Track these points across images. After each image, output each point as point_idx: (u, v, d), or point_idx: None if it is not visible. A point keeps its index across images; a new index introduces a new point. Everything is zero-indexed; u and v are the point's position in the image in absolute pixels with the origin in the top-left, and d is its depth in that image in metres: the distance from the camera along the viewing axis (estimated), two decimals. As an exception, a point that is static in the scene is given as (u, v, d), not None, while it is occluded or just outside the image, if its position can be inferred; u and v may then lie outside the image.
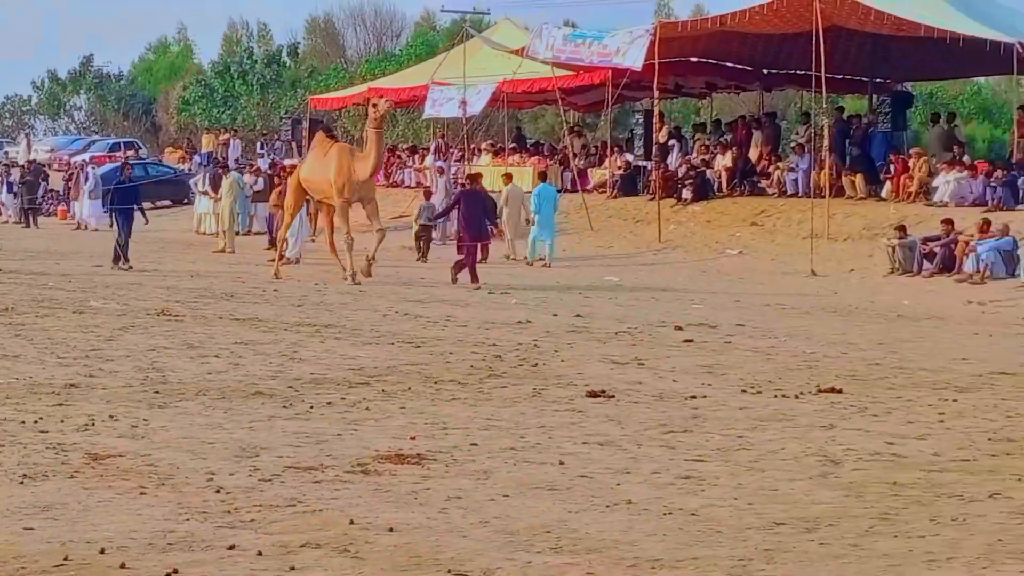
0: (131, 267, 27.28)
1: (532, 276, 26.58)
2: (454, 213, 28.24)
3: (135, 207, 28.75)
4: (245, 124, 66.32)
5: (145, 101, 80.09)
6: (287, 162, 43.07)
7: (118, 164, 50.03)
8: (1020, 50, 28.69)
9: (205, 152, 54.45)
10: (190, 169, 52.01)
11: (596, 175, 40.11)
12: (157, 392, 12.46)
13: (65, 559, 7.24)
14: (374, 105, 26.44)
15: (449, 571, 7.27)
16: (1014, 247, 26.60)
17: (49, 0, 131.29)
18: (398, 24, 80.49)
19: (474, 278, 24.54)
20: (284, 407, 11.88)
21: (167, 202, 49.14)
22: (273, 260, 28.54)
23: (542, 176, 33.26)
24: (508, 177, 33.79)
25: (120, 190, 30.11)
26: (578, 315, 19.87)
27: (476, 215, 25.84)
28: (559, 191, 35.30)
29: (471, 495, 8.94)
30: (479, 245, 26.26)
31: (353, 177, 25.32)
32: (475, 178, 28.20)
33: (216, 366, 14.19)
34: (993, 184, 30.55)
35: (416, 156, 46.41)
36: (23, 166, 51.90)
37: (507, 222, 32.06)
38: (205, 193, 40.02)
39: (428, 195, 34.27)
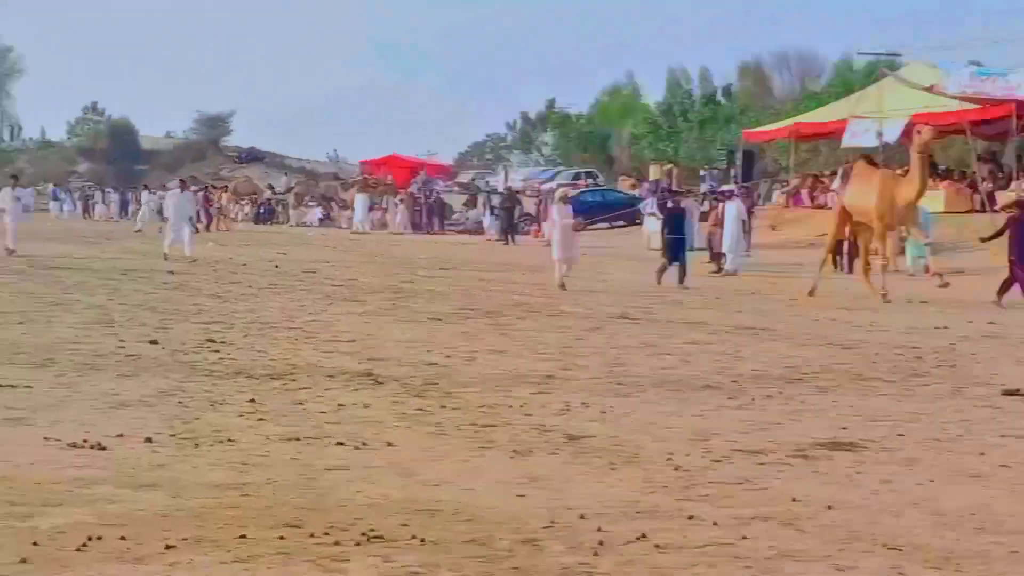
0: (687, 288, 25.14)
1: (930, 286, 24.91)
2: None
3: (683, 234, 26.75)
4: (686, 156, 66.50)
5: (601, 137, 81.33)
6: (724, 188, 42.91)
7: (584, 190, 50.73)
8: None
9: (652, 180, 54.90)
10: (640, 195, 52.53)
11: (1003, 197, 38.51)
12: (620, 383, 12.58)
13: (552, 522, 7.37)
14: (918, 132, 23.98)
15: (884, 545, 7.06)
16: None
17: (518, 51, 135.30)
18: (819, 66, 79.29)
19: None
20: (729, 398, 11.81)
21: (621, 223, 49.86)
22: (715, 272, 28.59)
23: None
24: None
25: (672, 217, 27.79)
26: (991, 322, 19.05)
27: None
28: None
29: (900, 479, 8.66)
30: None
31: (896, 202, 23.12)
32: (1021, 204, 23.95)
33: (669, 362, 14.24)
34: None
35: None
36: (502, 193, 53.47)
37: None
38: (652, 215, 40.42)
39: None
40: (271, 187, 74.97)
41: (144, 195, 60.81)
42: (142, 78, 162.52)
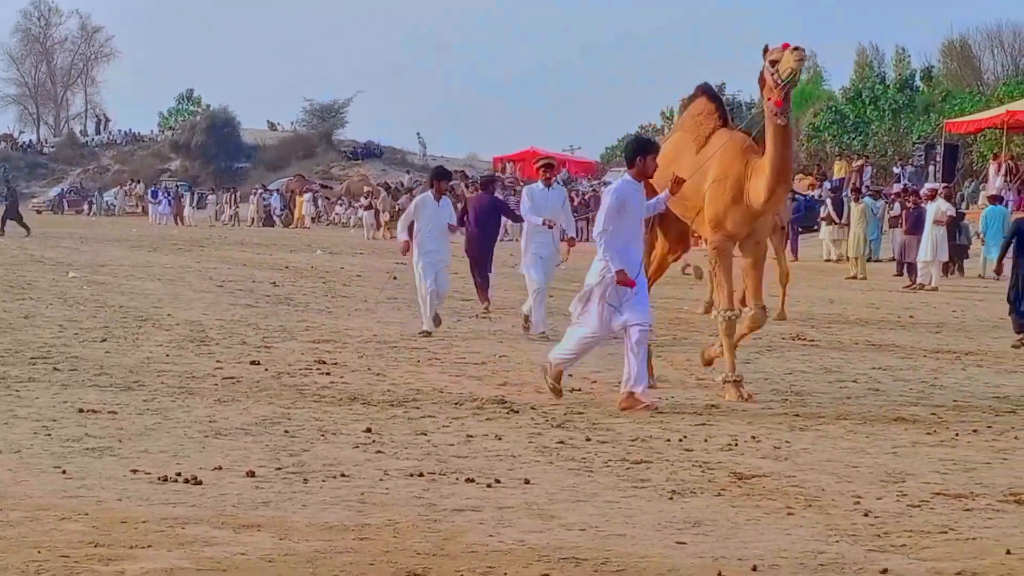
0: None
1: None
2: None
3: None
4: (876, 150, 65.74)
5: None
6: (927, 188, 42.12)
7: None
8: None
9: (837, 179, 54.39)
10: (820, 196, 52.10)
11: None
12: (797, 415, 12.50)
13: (718, 574, 7.34)
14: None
15: None
16: None
17: (675, 29, 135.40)
18: (1037, 45, 77.86)
19: None
20: (927, 433, 11.67)
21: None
22: (908, 287, 28.26)
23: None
24: None
25: None
26: None
27: None
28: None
29: None
30: None
31: None
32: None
33: (854, 391, 14.12)
34: None
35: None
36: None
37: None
38: (827, 219, 40.34)
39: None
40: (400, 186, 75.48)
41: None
42: (244, 62, 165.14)
